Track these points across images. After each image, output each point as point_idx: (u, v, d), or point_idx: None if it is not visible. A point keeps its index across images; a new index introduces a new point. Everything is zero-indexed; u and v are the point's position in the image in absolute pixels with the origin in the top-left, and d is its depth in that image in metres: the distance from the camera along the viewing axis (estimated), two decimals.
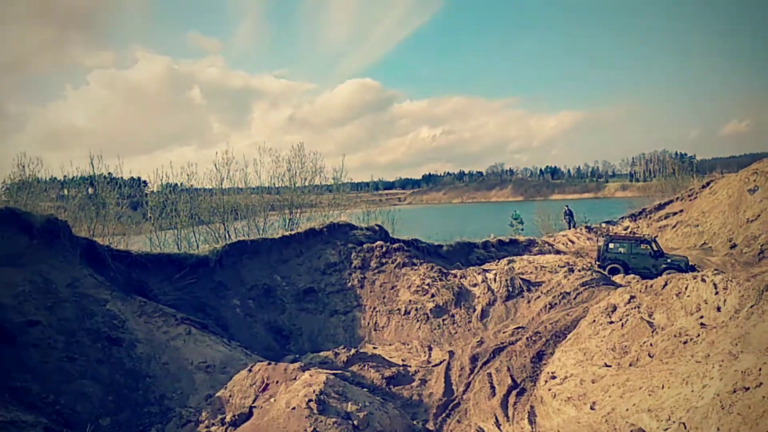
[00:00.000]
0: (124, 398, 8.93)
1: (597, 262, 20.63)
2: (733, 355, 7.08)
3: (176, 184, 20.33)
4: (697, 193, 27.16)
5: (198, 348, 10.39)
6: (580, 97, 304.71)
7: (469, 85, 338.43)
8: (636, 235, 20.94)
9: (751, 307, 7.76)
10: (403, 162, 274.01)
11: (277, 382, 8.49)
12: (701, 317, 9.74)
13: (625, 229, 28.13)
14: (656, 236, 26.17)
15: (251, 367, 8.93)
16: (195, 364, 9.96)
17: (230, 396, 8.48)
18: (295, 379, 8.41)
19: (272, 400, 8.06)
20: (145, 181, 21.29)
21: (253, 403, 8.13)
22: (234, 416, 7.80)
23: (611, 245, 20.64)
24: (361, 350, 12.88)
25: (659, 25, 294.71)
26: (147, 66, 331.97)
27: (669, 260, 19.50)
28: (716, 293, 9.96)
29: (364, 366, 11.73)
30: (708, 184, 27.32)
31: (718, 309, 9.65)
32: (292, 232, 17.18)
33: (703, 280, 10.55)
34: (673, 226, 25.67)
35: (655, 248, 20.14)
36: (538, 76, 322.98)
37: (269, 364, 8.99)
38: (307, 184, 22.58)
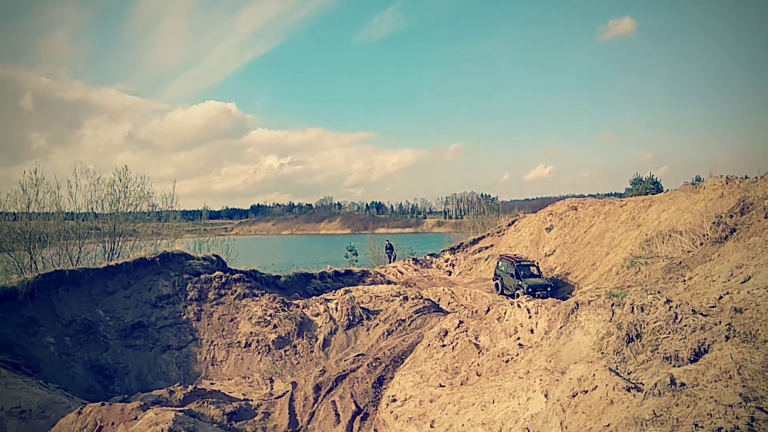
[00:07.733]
0: None
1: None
2: (549, 370, 8.38)
3: None
4: (505, 230, 30.97)
5: (9, 392, 8.92)
6: (423, 136, 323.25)
7: (330, 117, 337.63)
8: (516, 257, 22.76)
9: (560, 328, 9.23)
10: (240, 191, 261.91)
11: (113, 423, 7.74)
12: (518, 338, 11.26)
13: (446, 261, 30.71)
14: (472, 267, 29.20)
15: (80, 409, 8.02)
16: (6, 410, 8.55)
17: None
18: (136, 419, 7.75)
19: None
20: None
21: None
22: None
23: (500, 263, 22.87)
24: (199, 387, 12.19)
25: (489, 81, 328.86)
26: None
27: (527, 282, 20.42)
28: (530, 317, 11.60)
29: (203, 403, 11.10)
30: (513, 222, 31.31)
31: (532, 331, 11.26)
32: (118, 262, 15.71)
33: (519, 306, 12.18)
34: (486, 259, 28.81)
35: (532, 271, 21.41)
36: (393, 112, 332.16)
37: (102, 404, 8.17)
38: (131, 210, 20.89)
